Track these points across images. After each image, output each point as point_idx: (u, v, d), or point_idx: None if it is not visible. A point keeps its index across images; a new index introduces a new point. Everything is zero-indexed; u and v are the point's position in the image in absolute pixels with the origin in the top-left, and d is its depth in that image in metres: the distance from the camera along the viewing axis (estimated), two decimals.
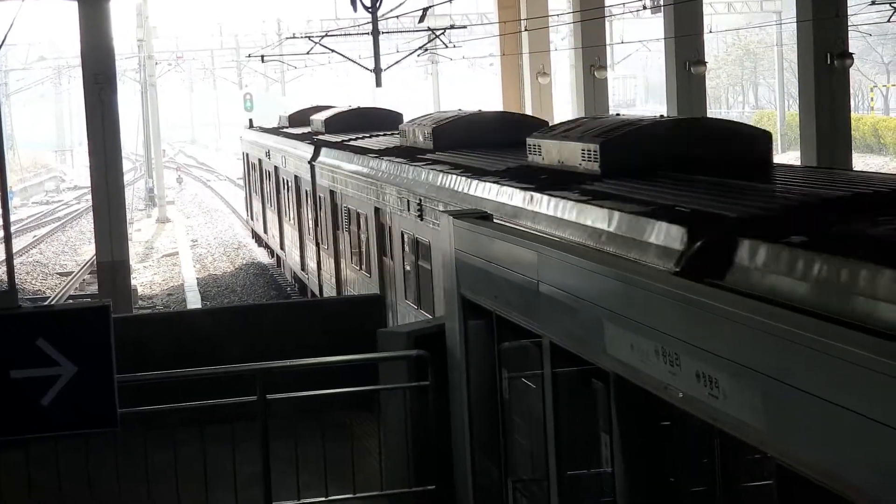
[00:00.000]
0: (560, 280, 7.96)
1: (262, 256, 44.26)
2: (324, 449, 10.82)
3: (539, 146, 13.31)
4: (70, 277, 40.64)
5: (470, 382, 9.91)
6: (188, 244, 49.93)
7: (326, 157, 24.64)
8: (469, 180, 14.37)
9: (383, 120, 29.50)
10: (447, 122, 19.74)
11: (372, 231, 20.13)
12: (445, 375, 10.35)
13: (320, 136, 28.76)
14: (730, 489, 6.20)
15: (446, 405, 10.36)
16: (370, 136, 25.20)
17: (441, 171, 15.97)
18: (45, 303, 32.75)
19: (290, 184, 30.48)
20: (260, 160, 37.63)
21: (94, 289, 35.36)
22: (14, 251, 47.67)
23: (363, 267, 21.39)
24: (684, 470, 6.96)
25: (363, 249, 21.19)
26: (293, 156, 29.24)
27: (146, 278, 41.85)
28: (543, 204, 10.66)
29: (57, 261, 46.89)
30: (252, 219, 43.55)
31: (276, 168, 33.46)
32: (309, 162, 25.96)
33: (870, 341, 4.87)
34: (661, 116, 14.18)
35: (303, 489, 10.74)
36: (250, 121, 45.81)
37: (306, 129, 32.92)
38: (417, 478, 10.74)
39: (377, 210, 19.60)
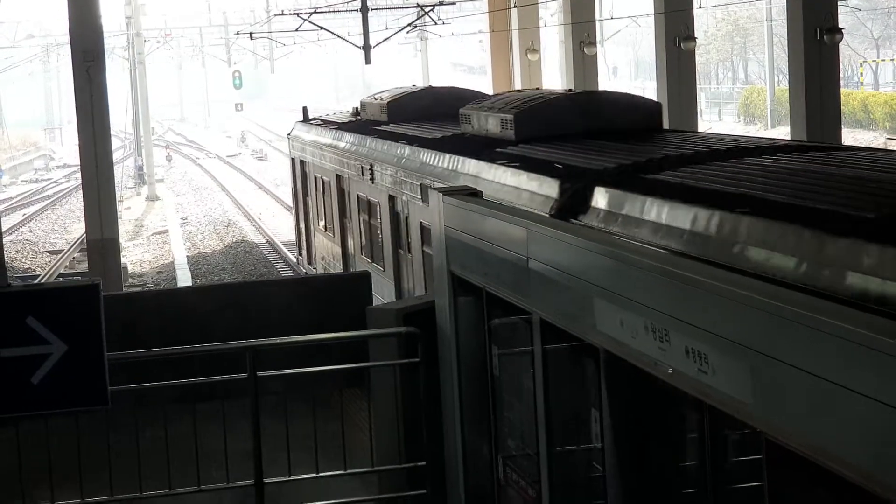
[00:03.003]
0: (549, 256, 7.97)
1: (251, 234, 44.23)
2: (314, 426, 10.83)
3: None
4: (60, 255, 40.60)
5: (460, 359, 9.93)
6: (178, 222, 49.87)
7: (655, 212, 8.85)
8: None
9: (618, 110, 14.81)
10: None
11: None
12: (435, 352, 10.37)
13: (522, 150, 13.74)
14: (719, 464, 6.22)
15: (436, 382, 10.38)
16: (674, 156, 10.78)
17: None
18: (35, 281, 32.71)
19: None
20: (341, 178, 22.47)
21: (84, 267, 35.34)
22: (3, 229, 47.68)
23: None
24: (674, 445, 6.98)
25: None
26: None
27: (136, 256, 41.81)
28: None
29: (47, 239, 46.83)
30: (312, 261, 27.61)
31: (406, 205, 17.62)
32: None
33: (858, 316, 4.88)
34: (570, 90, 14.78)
35: (294, 466, 10.76)
36: (305, 110, 29.77)
37: (450, 129, 17.67)
38: (408, 454, 10.76)
39: None
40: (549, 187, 10.78)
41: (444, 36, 59.13)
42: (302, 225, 28.68)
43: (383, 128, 21.32)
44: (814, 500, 5.33)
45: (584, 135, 13.75)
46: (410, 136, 18.65)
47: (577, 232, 7.98)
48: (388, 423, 10.99)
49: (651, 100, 16.46)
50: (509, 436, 9.48)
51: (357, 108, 25.98)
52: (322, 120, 27.31)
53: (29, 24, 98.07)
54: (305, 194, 27.55)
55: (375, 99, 24.23)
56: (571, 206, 9.93)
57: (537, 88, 17.62)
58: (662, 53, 33.42)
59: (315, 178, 25.77)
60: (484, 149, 14.44)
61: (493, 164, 13.14)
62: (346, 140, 22.15)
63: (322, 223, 25.47)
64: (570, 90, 16.95)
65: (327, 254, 25.37)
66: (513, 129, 14.74)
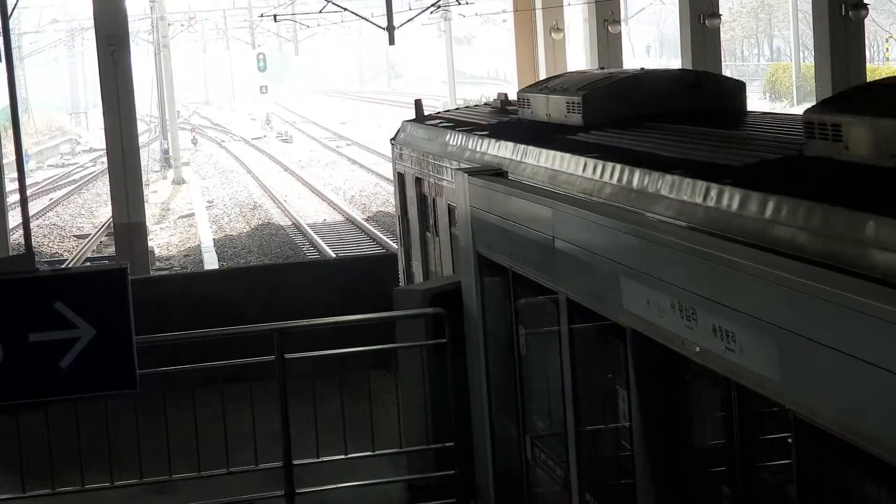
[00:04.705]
0: (575, 236, 7.96)
1: (277, 216, 44.26)
2: (342, 407, 10.85)
3: None
4: (87, 240, 40.70)
5: (487, 339, 9.93)
6: (204, 205, 49.92)
7: None
8: None
9: None
10: None
11: None
12: (462, 333, 10.37)
13: None
14: (747, 443, 6.20)
15: (464, 362, 10.39)
16: None
17: None
18: (63, 266, 32.81)
19: None
20: None
21: (111, 251, 35.43)
22: (30, 214, 47.77)
23: None
24: (702, 424, 6.97)
25: None
26: None
27: (163, 240, 41.89)
28: None
29: (73, 223, 46.96)
30: None
31: None
32: None
33: (886, 292, 4.86)
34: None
35: (322, 448, 10.79)
36: (418, 105, 18.79)
37: (764, 151, 8.35)
38: (436, 435, 10.78)
39: None
40: None
41: (467, 16, 58.98)
42: (418, 272, 17.27)
43: (581, 137, 11.63)
44: (843, 478, 5.32)
45: None
46: (677, 159, 8.85)
47: (602, 211, 7.96)
48: (416, 403, 11.01)
49: None
50: (537, 416, 9.48)
51: (500, 100, 17.12)
52: (451, 119, 16.93)
53: (53, 9, 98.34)
54: (426, 230, 16.70)
55: (551, 91, 13.75)
56: None
57: None
58: (687, 31, 33.26)
59: (449, 207, 14.96)
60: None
61: None
62: (524, 157, 12.12)
63: None
64: None
65: None
66: None
